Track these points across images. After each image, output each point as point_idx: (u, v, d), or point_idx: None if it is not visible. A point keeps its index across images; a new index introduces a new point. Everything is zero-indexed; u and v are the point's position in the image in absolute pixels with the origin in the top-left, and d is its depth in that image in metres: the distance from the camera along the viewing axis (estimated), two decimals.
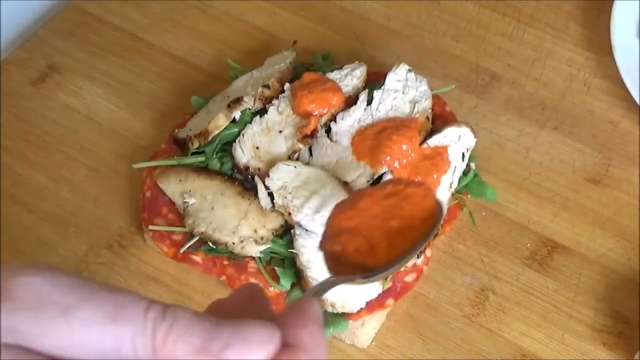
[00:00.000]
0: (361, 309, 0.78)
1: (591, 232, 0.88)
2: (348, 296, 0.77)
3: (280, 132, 0.84)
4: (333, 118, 0.85)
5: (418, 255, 0.80)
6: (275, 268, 0.79)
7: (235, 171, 0.85)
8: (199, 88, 0.99)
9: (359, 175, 0.81)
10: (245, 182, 0.84)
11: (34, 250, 0.88)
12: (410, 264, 0.79)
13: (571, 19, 1.06)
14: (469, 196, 0.87)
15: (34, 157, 0.95)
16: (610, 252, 0.87)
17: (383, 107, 0.86)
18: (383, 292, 0.79)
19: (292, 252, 0.78)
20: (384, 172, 0.81)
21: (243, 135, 0.85)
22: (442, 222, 0.66)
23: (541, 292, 0.84)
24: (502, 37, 1.05)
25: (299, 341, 0.43)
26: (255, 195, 0.81)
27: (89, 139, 0.97)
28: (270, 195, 0.80)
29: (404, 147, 0.81)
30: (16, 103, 1.00)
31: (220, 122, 0.85)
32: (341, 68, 0.91)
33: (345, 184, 0.80)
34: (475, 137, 0.86)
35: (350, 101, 0.87)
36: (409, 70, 0.89)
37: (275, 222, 0.80)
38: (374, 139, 0.82)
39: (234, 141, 0.85)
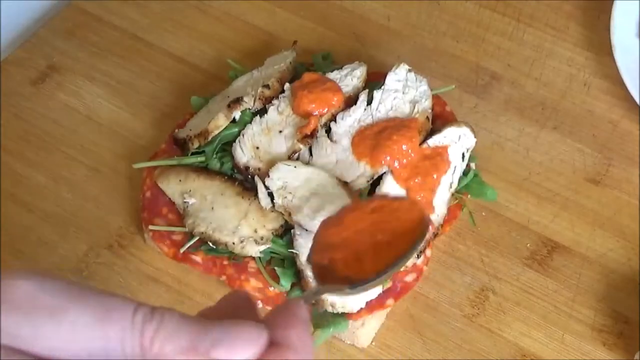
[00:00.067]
0: (361, 309, 0.78)
1: (591, 232, 0.88)
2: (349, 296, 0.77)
3: (280, 132, 0.84)
4: (333, 118, 0.85)
5: (418, 256, 0.80)
6: (275, 268, 0.79)
7: (235, 171, 0.85)
8: (199, 88, 0.99)
9: (359, 175, 0.81)
10: (245, 182, 0.84)
11: (34, 250, 0.88)
12: (410, 263, 0.79)
13: (571, 19, 1.06)
14: (469, 196, 0.87)
15: (34, 157, 0.95)
16: (610, 252, 0.87)
17: (383, 107, 0.86)
18: (383, 292, 0.79)
19: (292, 252, 0.78)
20: (384, 172, 0.82)
21: (243, 135, 0.85)
22: (427, 235, 0.70)
23: (541, 292, 0.84)
24: (502, 37, 1.05)
25: (287, 341, 0.44)
26: (255, 195, 0.81)
27: (89, 139, 0.97)
28: (270, 195, 0.81)
29: (404, 147, 0.81)
30: (16, 103, 1.00)
31: (220, 122, 0.85)
32: (341, 68, 0.91)
33: (345, 184, 0.80)
34: (475, 137, 0.86)
35: (350, 101, 0.87)
36: (409, 70, 0.89)
37: (275, 222, 0.81)
38: (374, 139, 0.82)
39: (234, 141, 0.85)
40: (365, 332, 0.81)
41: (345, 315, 0.78)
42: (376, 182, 0.82)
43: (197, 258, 0.82)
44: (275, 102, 0.87)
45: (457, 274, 0.86)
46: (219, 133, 0.85)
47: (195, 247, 0.82)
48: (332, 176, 0.81)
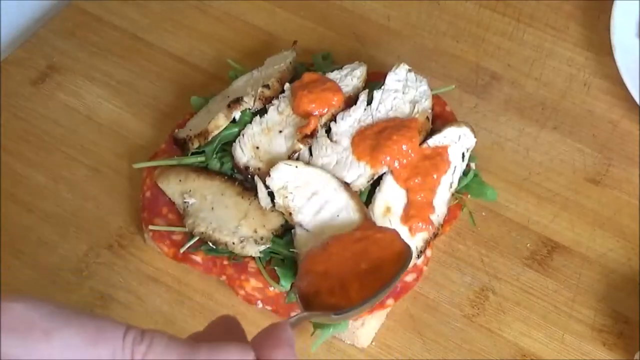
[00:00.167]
0: None
1: (591, 232, 0.88)
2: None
3: (280, 132, 0.84)
4: (333, 118, 0.85)
5: (418, 256, 0.80)
6: (275, 268, 0.79)
7: (235, 171, 0.85)
8: (199, 88, 0.99)
9: (359, 175, 0.81)
10: (245, 182, 0.84)
11: (34, 250, 0.88)
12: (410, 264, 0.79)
13: (571, 19, 1.06)
14: (469, 196, 0.87)
15: (33, 157, 0.95)
16: (610, 252, 0.87)
17: (383, 107, 0.86)
18: None
19: (292, 252, 0.78)
20: (384, 172, 0.82)
21: (243, 135, 0.85)
22: (410, 263, 0.73)
23: (541, 292, 0.84)
24: (502, 37, 1.05)
25: (273, 359, 0.46)
26: (255, 195, 0.81)
27: (89, 139, 0.97)
28: (271, 195, 0.80)
29: (404, 147, 0.81)
30: (16, 103, 1.00)
31: (220, 122, 0.85)
32: (341, 68, 0.91)
33: (345, 184, 0.80)
34: (475, 137, 0.86)
35: (350, 101, 0.87)
36: (409, 70, 0.89)
37: (275, 222, 0.80)
38: (374, 139, 0.82)
39: (234, 141, 0.85)
40: (365, 332, 0.81)
41: None
42: (376, 182, 0.82)
43: (197, 258, 0.82)
44: (275, 102, 0.87)
45: (457, 274, 0.86)
46: (219, 133, 0.85)
47: (195, 247, 0.82)
48: (332, 176, 0.81)
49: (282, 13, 1.07)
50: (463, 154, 0.85)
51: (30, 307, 0.43)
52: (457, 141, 0.84)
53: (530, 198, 0.91)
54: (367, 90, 0.87)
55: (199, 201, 0.83)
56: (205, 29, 1.06)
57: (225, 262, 0.81)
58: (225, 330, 0.51)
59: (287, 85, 0.88)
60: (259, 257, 0.80)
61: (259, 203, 0.81)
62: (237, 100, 0.86)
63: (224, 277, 0.82)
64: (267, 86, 0.88)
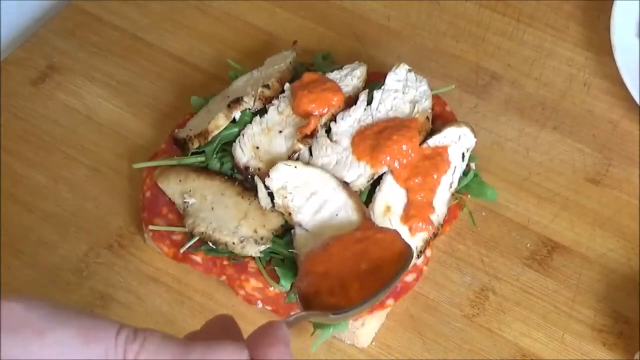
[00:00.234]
0: None
1: (591, 232, 0.88)
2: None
3: (280, 132, 0.84)
4: (333, 118, 0.85)
5: (418, 256, 0.80)
6: (275, 268, 0.79)
7: (235, 171, 0.85)
8: (199, 88, 0.99)
9: (359, 175, 0.81)
10: (245, 182, 0.84)
11: (34, 250, 0.88)
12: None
13: (571, 19, 1.06)
14: (469, 196, 0.87)
15: (33, 157, 0.95)
16: (610, 252, 0.87)
17: (383, 107, 0.86)
18: None
19: (292, 252, 0.78)
20: (384, 172, 0.82)
21: (243, 135, 0.85)
22: (411, 263, 0.72)
23: (541, 292, 0.84)
24: (502, 37, 1.05)
25: (268, 358, 0.46)
26: (255, 195, 0.81)
27: (89, 139, 0.97)
28: (270, 195, 0.80)
29: (404, 147, 0.81)
30: (16, 103, 1.00)
31: (220, 122, 0.85)
32: (341, 68, 0.91)
33: (345, 184, 0.80)
34: (475, 137, 0.86)
35: (350, 101, 0.87)
36: (409, 70, 0.89)
37: (275, 222, 0.80)
38: (374, 139, 0.82)
39: (234, 141, 0.85)
40: (365, 332, 0.81)
41: None
42: (376, 182, 0.82)
43: (197, 258, 0.82)
44: (275, 102, 0.87)
45: (457, 274, 0.86)
46: (219, 133, 0.85)
47: (195, 247, 0.82)
48: (331, 176, 0.81)
49: (282, 13, 1.07)
50: (463, 154, 0.85)
51: (25, 306, 0.44)
52: (457, 141, 0.84)
53: (530, 198, 0.91)
54: (367, 90, 0.87)
55: (199, 201, 0.83)
56: (205, 29, 1.06)
57: (225, 262, 0.81)
58: (222, 329, 0.51)
59: (287, 85, 0.88)
60: (259, 257, 0.80)
61: (259, 203, 0.81)
62: (237, 100, 0.86)
63: (224, 277, 0.82)
64: (267, 86, 0.88)
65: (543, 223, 0.89)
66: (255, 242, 0.79)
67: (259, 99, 0.87)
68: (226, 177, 0.84)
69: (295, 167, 0.81)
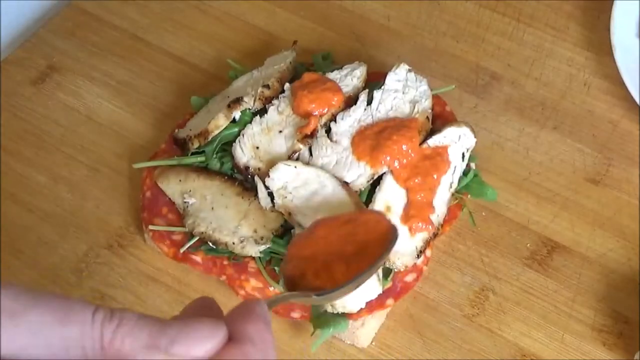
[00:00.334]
0: (361, 309, 0.78)
1: (591, 232, 0.88)
2: (348, 297, 0.77)
3: (280, 132, 0.84)
4: (333, 118, 0.85)
5: (418, 256, 0.79)
6: (275, 268, 0.79)
7: (235, 171, 0.85)
8: (199, 88, 0.99)
9: (359, 175, 0.81)
10: (245, 182, 0.84)
11: (34, 250, 0.88)
12: (411, 264, 0.79)
13: (571, 19, 1.06)
14: (469, 196, 0.87)
15: (33, 157, 0.95)
16: (610, 252, 0.87)
17: (383, 107, 0.86)
18: (383, 292, 0.79)
19: None
20: (384, 172, 0.82)
21: (243, 135, 0.85)
22: (395, 243, 0.70)
23: (541, 292, 0.84)
24: (502, 37, 1.05)
25: (245, 335, 0.45)
26: (255, 195, 0.81)
27: (89, 139, 0.97)
28: (270, 195, 0.80)
29: (404, 147, 0.81)
30: (16, 103, 1.00)
31: (220, 122, 0.85)
32: (341, 68, 0.91)
33: (345, 184, 0.80)
34: (475, 137, 0.86)
35: (350, 101, 0.87)
36: (409, 70, 0.89)
37: (275, 222, 0.80)
38: (374, 139, 0.82)
39: (234, 141, 0.85)
40: (365, 332, 0.81)
41: (345, 315, 0.78)
42: (376, 182, 0.82)
43: (197, 258, 0.82)
44: (275, 102, 0.87)
45: (457, 274, 0.86)
46: (219, 133, 0.85)
47: (195, 247, 0.82)
48: (332, 176, 0.81)
49: (282, 13, 1.07)
50: (463, 154, 0.85)
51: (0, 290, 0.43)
52: (457, 141, 0.84)
53: (530, 198, 0.91)
54: (367, 90, 0.87)
55: (199, 201, 0.83)
56: (205, 29, 1.06)
57: (225, 262, 0.81)
58: (203, 311, 0.50)
59: (287, 85, 0.88)
60: (259, 257, 0.80)
61: (259, 203, 0.81)
62: (237, 100, 0.86)
63: (224, 277, 0.82)
64: (267, 86, 0.88)
65: (543, 223, 0.89)
66: (255, 242, 0.79)
67: (259, 99, 0.87)
68: (226, 177, 0.84)
69: (295, 167, 0.81)
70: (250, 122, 0.85)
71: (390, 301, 0.80)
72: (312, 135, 0.83)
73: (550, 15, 1.07)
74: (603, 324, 0.82)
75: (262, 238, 0.79)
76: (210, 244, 0.81)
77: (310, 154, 0.83)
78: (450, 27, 1.06)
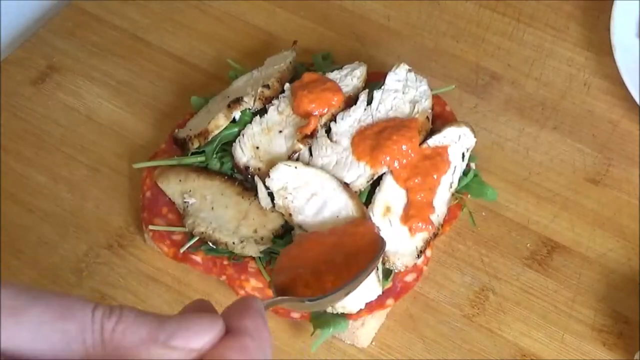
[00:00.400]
0: (361, 309, 0.78)
1: (591, 232, 0.88)
2: (347, 298, 0.77)
3: (280, 132, 0.84)
4: (333, 118, 0.85)
5: (418, 256, 0.79)
6: None
7: (235, 171, 0.85)
8: (199, 88, 0.99)
9: (359, 176, 0.81)
10: (245, 182, 0.84)
11: (34, 250, 0.88)
12: (411, 264, 0.79)
13: (571, 19, 1.06)
14: (469, 196, 0.87)
15: (33, 157, 0.95)
16: (610, 252, 0.87)
17: (383, 107, 0.86)
18: (383, 292, 0.79)
19: None
20: (384, 172, 0.82)
21: (243, 135, 0.85)
22: (383, 252, 0.75)
23: (541, 292, 0.84)
24: (502, 37, 1.05)
25: (243, 328, 0.46)
26: (255, 195, 0.81)
27: (89, 139, 0.97)
28: (271, 195, 0.80)
29: (403, 147, 0.81)
30: (16, 103, 1.00)
31: (220, 122, 0.85)
32: (341, 68, 0.91)
33: (344, 184, 0.80)
34: (475, 137, 0.86)
35: (350, 101, 0.87)
36: (409, 70, 0.89)
37: (275, 223, 0.80)
38: (374, 139, 0.82)
39: (234, 141, 0.85)
40: (365, 332, 0.81)
41: (345, 315, 0.78)
42: (376, 182, 0.82)
43: (197, 258, 0.82)
44: (275, 102, 0.87)
45: (457, 274, 0.86)
46: (219, 133, 0.85)
47: (195, 247, 0.82)
48: (331, 176, 0.81)
49: (282, 13, 1.07)
50: (463, 154, 0.85)
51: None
52: (457, 141, 0.84)
53: (530, 198, 0.91)
54: (367, 90, 0.87)
55: (199, 201, 0.83)
56: (205, 29, 1.06)
57: (225, 262, 0.81)
58: (199, 309, 0.51)
59: (287, 85, 0.88)
60: (259, 257, 0.80)
61: (259, 203, 0.81)
62: (237, 100, 0.86)
63: (224, 277, 0.82)
64: (267, 86, 0.88)
65: (543, 223, 0.89)
66: (256, 242, 0.79)
67: (259, 99, 0.87)
68: (226, 177, 0.84)
69: (296, 167, 0.81)
70: (250, 122, 0.85)
71: (390, 301, 0.80)
72: (312, 135, 0.83)
73: (550, 15, 1.07)
74: (603, 324, 0.82)
75: (262, 238, 0.79)
76: (210, 244, 0.81)
77: (310, 154, 0.83)
78: (450, 27, 1.06)
